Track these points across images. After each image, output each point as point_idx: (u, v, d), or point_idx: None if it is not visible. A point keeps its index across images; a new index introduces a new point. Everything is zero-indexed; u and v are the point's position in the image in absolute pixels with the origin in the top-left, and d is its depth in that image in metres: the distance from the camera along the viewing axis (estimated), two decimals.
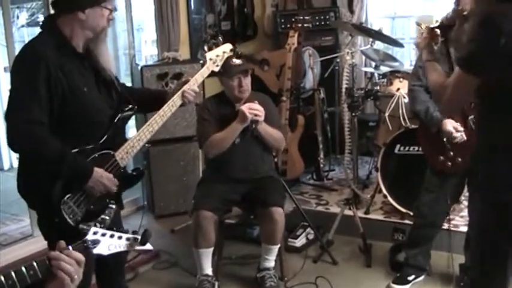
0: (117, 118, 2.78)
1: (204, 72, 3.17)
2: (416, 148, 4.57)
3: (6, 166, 7.67)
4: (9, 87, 2.65)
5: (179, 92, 2.99)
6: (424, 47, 2.67)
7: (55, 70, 2.53)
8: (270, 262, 4.05)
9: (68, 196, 2.59)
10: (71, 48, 2.65)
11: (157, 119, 2.90)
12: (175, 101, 2.98)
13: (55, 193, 2.55)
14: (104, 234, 1.90)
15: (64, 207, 2.57)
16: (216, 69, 3.23)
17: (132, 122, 3.42)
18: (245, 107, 3.88)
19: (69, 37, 2.64)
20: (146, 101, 3.03)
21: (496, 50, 2.17)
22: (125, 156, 2.78)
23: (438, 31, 2.65)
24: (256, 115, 3.87)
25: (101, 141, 2.71)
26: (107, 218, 2.73)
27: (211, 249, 3.97)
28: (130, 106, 2.85)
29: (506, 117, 2.31)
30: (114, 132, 2.76)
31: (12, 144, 2.57)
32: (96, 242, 1.88)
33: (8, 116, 2.56)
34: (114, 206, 2.79)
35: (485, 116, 2.42)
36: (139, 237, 1.96)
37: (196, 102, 4.59)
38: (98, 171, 2.65)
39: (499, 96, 2.31)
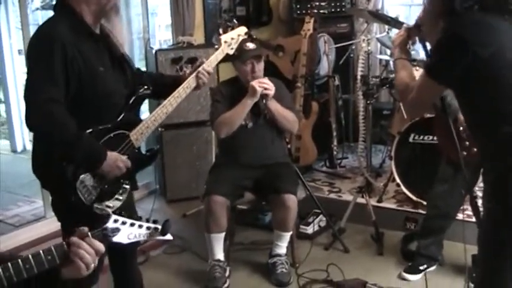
0: (132, 99, 2.77)
1: (219, 54, 3.15)
2: (431, 137, 4.54)
3: (19, 148, 7.71)
4: (24, 69, 2.64)
5: (194, 74, 2.98)
6: (398, 45, 2.68)
7: (71, 50, 2.51)
8: (282, 248, 4.05)
9: (83, 176, 2.58)
10: (86, 27, 2.63)
11: (172, 101, 2.89)
12: (190, 82, 2.97)
13: (70, 173, 2.55)
14: (124, 223, 1.88)
15: (79, 187, 2.57)
16: (231, 52, 3.22)
17: (144, 107, 3.42)
18: (255, 82, 3.89)
19: (79, 13, 2.61)
20: (161, 85, 3.02)
21: (463, 63, 2.21)
22: (140, 137, 2.78)
23: (414, 31, 2.66)
24: (266, 89, 3.87)
25: (116, 122, 2.70)
26: (121, 198, 2.74)
27: (223, 234, 3.97)
28: (145, 87, 2.84)
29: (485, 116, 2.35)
30: (129, 113, 2.75)
31: (29, 123, 2.56)
32: (116, 231, 1.85)
33: (25, 96, 2.55)
34: (127, 187, 2.79)
35: (470, 117, 2.44)
36: (160, 227, 1.93)
37: (210, 86, 4.59)
38: (113, 155, 2.64)
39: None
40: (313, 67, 5.71)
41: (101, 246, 1.80)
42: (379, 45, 6.34)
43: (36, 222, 4.87)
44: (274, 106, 3.97)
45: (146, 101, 3.00)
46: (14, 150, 7.71)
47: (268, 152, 4.11)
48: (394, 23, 5.04)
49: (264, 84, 3.88)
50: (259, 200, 4.23)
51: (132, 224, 1.90)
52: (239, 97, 3.95)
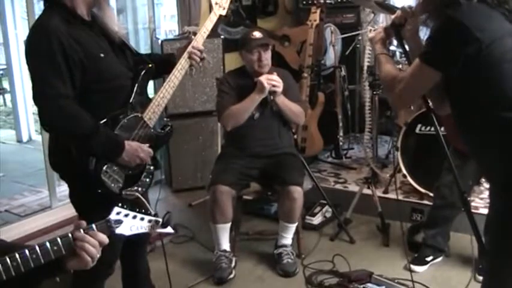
0: (139, 79, 2.77)
1: (212, 17, 3.11)
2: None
3: (25, 138, 7.73)
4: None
5: (195, 40, 2.98)
6: (377, 41, 2.68)
7: (67, 41, 2.50)
8: (287, 239, 4.05)
9: (106, 166, 2.59)
10: (78, 18, 2.61)
11: (177, 74, 2.89)
12: (182, 64, 2.95)
13: (93, 165, 2.55)
14: (126, 215, 1.92)
15: (105, 178, 2.58)
16: (224, 12, 3.18)
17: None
18: (263, 78, 3.88)
19: (71, 7, 2.60)
20: (155, 64, 3.00)
21: (466, 49, 2.20)
22: (153, 116, 2.79)
23: (391, 30, 2.65)
24: (274, 86, 3.86)
25: (127, 105, 2.69)
26: (147, 180, 2.76)
27: (229, 224, 3.97)
28: (149, 65, 2.83)
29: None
30: (138, 94, 2.75)
31: (44, 124, 2.58)
32: (118, 222, 1.89)
33: (35, 98, 2.55)
34: (152, 168, 2.79)
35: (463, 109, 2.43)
36: (160, 219, 1.98)
37: (216, 77, 4.57)
38: (132, 146, 2.65)
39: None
40: (319, 57, 5.69)
41: (105, 238, 1.83)
42: None
43: (41, 212, 4.86)
44: (282, 101, 3.97)
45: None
46: (19, 140, 7.74)
47: (274, 142, 4.10)
48: None
49: (272, 81, 3.87)
50: (265, 190, 4.23)
51: (134, 217, 1.94)
52: (246, 88, 3.94)
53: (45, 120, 2.56)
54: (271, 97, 3.90)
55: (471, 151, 2.52)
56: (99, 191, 2.57)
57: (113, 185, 2.60)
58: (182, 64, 2.92)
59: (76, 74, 2.53)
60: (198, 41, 3.00)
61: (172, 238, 4.50)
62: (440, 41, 2.28)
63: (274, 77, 3.90)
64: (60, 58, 2.48)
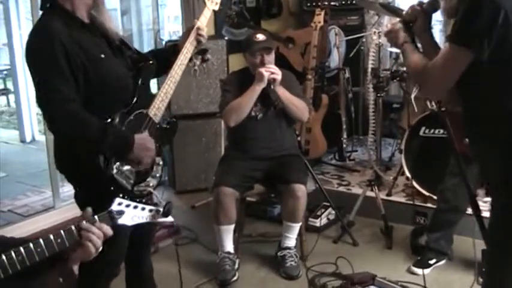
0: (140, 76, 2.76)
1: (206, 12, 3.11)
2: (441, 131, 4.51)
3: (28, 138, 7.74)
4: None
5: (190, 38, 2.96)
6: (397, 30, 2.55)
7: (69, 44, 2.49)
8: (291, 240, 4.04)
9: (117, 164, 2.58)
10: (78, 20, 2.60)
11: (177, 69, 2.88)
12: (188, 47, 2.95)
13: (105, 164, 2.54)
14: (128, 205, 1.94)
15: (117, 175, 2.57)
16: (216, 8, 3.17)
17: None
18: (261, 68, 3.92)
19: (71, 10, 2.59)
20: (163, 59, 2.99)
21: (496, 23, 2.12)
22: (157, 112, 2.78)
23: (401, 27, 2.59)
24: (272, 73, 3.89)
25: (132, 103, 2.68)
26: (158, 174, 2.77)
27: (233, 226, 3.96)
28: (150, 62, 2.83)
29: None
30: (142, 91, 2.74)
31: (55, 128, 2.56)
32: (120, 213, 1.92)
33: (41, 103, 2.54)
34: (161, 162, 2.80)
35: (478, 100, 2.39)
36: (161, 209, 1.99)
37: (220, 78, 4.57)
38: (140, 137, 2.64)
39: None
40: (323, 59, 5.69)
41: (109, 229, 1.87)
42: None
43: (45, 212, 4.88)
44: (282, 91, 3.98)
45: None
46: (23, 141, 7.75)
47: (277, 144, 4.11)
48: None
49: (270, 69, 3.90)
50: (268, 191, 4.23)
51: (135, 207, 1.96)
52: (248, 86, 3.95)
53: (53, 126, 2.55)
54: (271, 86, 3.92)
55: (476, 145, 2.47)
56: (112, 188, 2.56)
57: (124, 181, 2.59)
58: (184, 54, 2.91)
59: (80, 78, 2.52)
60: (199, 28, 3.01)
61: (175, 239, 4.50)
62: (470, 17, 2.18)
63: (272, 65, 3.95)
64: (63, 61, 2.46)
